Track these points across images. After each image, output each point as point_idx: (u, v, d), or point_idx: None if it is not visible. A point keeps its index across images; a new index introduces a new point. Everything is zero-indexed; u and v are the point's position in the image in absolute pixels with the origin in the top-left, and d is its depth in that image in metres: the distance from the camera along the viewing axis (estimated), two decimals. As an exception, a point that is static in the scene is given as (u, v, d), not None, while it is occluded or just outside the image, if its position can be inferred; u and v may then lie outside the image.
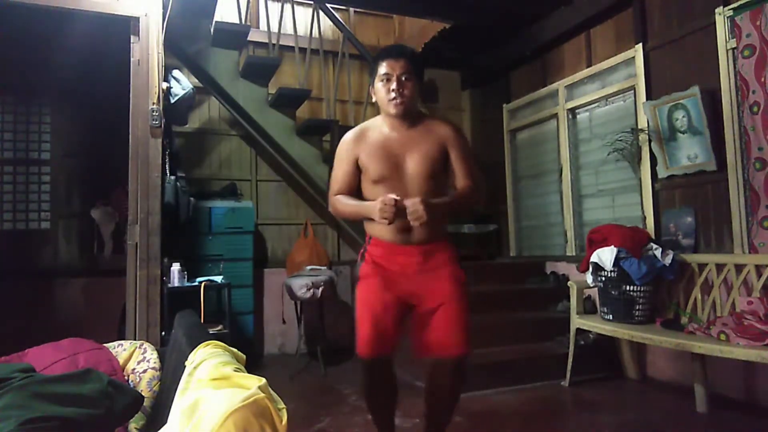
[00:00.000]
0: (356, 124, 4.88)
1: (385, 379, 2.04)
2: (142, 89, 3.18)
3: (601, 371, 3.59)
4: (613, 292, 3.21)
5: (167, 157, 3.56)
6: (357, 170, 2.03)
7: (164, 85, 3.37)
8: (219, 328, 3.52)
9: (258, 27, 4.79)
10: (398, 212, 1.84)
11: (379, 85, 1.97)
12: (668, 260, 3.13)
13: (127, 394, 1.54)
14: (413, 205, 1.81)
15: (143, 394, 1.69)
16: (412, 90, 1.96)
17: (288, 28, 4.55)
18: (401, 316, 1.99)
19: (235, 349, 1.32)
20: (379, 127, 2.04)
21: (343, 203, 2.03)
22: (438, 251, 2.01)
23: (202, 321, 2.62)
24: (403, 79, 1.93)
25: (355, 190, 2.06)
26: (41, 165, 4.45)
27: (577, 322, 3.41)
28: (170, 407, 1.12)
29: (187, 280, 3.50)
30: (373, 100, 2.04)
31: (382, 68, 1.95)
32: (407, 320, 2.03)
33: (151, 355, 1.90)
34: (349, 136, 2.07)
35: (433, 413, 2.16)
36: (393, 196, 1.84)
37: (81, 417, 1.30)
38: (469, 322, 1.96)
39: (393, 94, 1.93)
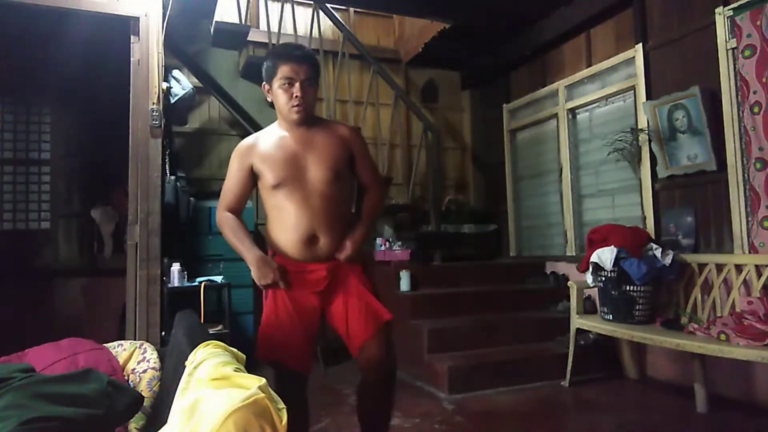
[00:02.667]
0: (356, 124, 4.93)
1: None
2: (142, 89, 3.18)
3: (601, 371, 3.59)
4: (613, 292, 3.21)
5: (167, 157, 3.57)
6: (250, 180, 1.92)
7: (164, 85, 3.38)
8: (219, 328, 3.52)
9: (258, 27, 4.79)
10: (282, 274, 1.84)
11: (278, 89, 1.86)
12: (668, 260, 3.13)
13: (127, 394, 1.53)
14: (345, 255, 1.88)
15: (143, 394, 1.69)
16: (314, 96, 1.91)
17: (288, 28, 4.55)
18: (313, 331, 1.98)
19: (235, 349, 1.32)
20: (274, 132, 1.94)
21: (226, 229, 1.92)
22: (344, 266, 1.93)
23: (202, 321, 2.62)
24: (306, 85, 1.85)
25: (245, 204, 1.99)
26: (41, 165, 4.45)
27: (577, 322, 3.41)
28: (170, 407, 1.12)
29: (187, 280, 3.50)
30: (268, 100, 1.94)
31: (284, 71, 1.83)
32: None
33: (151, 355, 1.90)
34: (241, 144, 1.96)
35: (368, 414, 2.11)
36: (274, 266, 1.84)
37: (81, 417, 1.30)
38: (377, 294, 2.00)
39: (296, 102, 1.84)
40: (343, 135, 1.94)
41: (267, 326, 1.93)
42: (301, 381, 2.05)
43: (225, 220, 1.93)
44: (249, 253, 1.86)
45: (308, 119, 1.91)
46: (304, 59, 1.86)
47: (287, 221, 1.87)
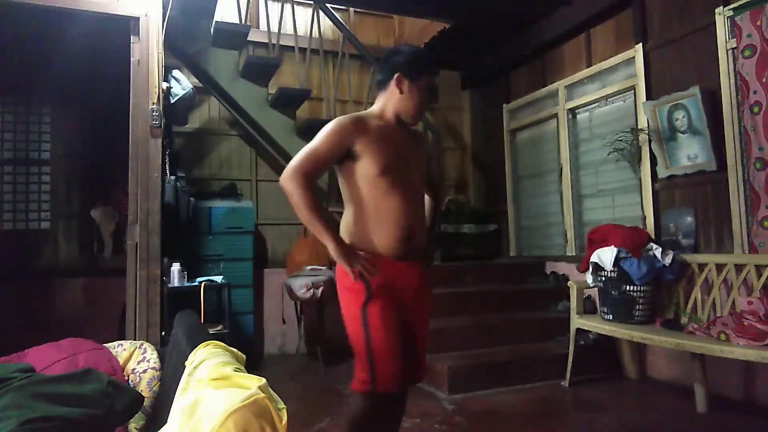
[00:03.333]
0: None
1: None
2: (142, 89, 3.18)
3: (601, 371, 3.59)
4: (613, 292, 3.21)
5: (167, 157, 3.56)
6: (338, 158, 1.77)
7: (164, 85, 3.37)
8: (219, 328, 3.52)
9: (258, 27, 4.79)
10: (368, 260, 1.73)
11: (418, 92, 1.83)
12: (668, 260, 3.13)
13: (127, 394, 1.53)
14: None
15: (143, 394, 1.69)
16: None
17: (288, 28, 4.55)
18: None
19: (235, 349, 1.32)
20: (382, 120, 1.86)
21: (300, 197, 1.69)
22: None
23: (202, 321, 2.62)
24: (430, 89, 1.91)
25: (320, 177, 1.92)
26: (41, 165, 4.45)
27: (577, 322, 3.41)
28: (170, 407, 1.12)
29: (187, 280, 3.50)
30: (398, 92, 1.83)
31: (429, 80, 1.86)
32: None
33: (151, 355, 1.90)
34: (347, 119, 1.78)
35: None
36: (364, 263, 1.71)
37: (81, 417, 1.30)
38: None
39: (424, 108, 1.90)
40: (423, 141, 2.12)
41: (382, 349, 1.80)
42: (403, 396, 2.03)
43: (303, 188, 1.69)
44: (332, 234, 1.70)
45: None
46: (438, 66, 2.01)
47: (389, 214, 1.75)
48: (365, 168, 1.75)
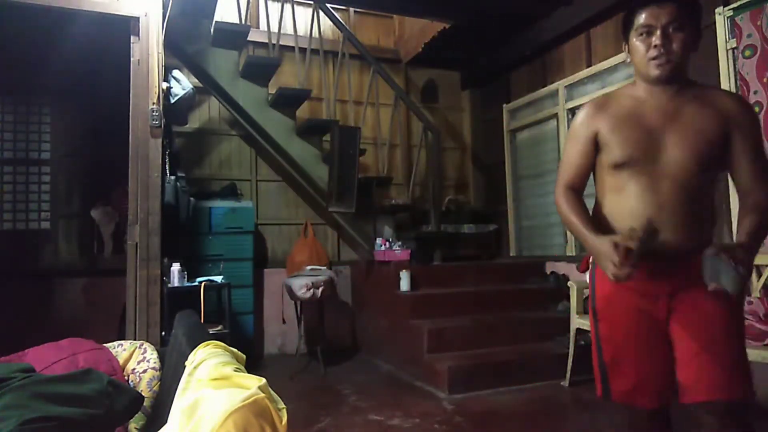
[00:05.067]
0: (356, 124, 4.92)
1: None
2: (142, 89, 3.18)
3: (601, 371, 3.59)
4: (613, 292, 3.21)
5: (167, 157, 3.56)
6: (594, 151, 1.53)
7: (164, 85, 3.37)
8: (219, 328, 3.52)
9: (258, 27, 4.79)
10: (632, 260, 1.29)
11: (636, 41, 1.45)
12: (668, 260, 3.13)
13: (127, 394, 1.53)
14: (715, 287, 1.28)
15: (143, 394, 1.69)
16: (684, 44, 1.41)
17: (288, 28, 4.55)
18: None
19: (235, 349, 1.32)
20: (630, 94, 1.52)
21: (566, 212, 1.53)
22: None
23: (202, 321, 2.62)
24: (671, 30, 1.40)
25: (587, 179, 1.59)
26: (41, 165, 4.45)
27: (577, 322, 3.41)
28: (170, 407, 1.12)
29: (187, 280, 3.50)
30: (627, 60, 1.53)
31: (642, 18, 1.43)
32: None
33: (151, 355, 1.90)
34: (587, 106, 1.56)
35: None
36: (629, 243, 1.29)
37: (81, 417, 1.30)
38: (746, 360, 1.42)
39: (655, 52, 1.40)
40: (723, 107, 1.42)
41: (612, 350, 1.52)
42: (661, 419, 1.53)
43: (561, 200, 1.56)
44: (592, 239, 1.42)
45: (676, 78, 1.44)
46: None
47: (624, 206, 1.46)
48: (603, 157, 1.51)
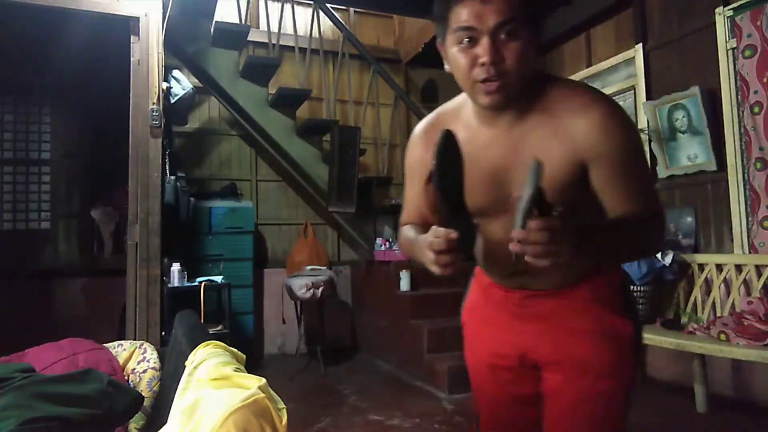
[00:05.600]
0: (356, 125, 4.91)
1: None
2: (142, 89, 3.18)
3: (601, 371, 3.59)
4: (613, 292, 3.21)
5: (167, 157, 3.57)
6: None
7: (164, 85, 3.38)
8: (219, 328, 3.52)
9: (258, 27, 4.79)
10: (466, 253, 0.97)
11: (455, 49, 1.01)
12: (668, 260, 3.13)
13: (127, 394, 1.53)
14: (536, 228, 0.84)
15: (143, 394, 1.69)
16: (522, 57, 0.96)
17: (288, 28, 4.55)
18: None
19: (235, 349, 1.32)
20: (464, 119, 1.15)
21: (402, 238, 1.22)
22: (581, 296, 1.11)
23: (202, 321, 2.62)
24: (503, 36, 0.95)
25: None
26: (41, 165, 4.45)
27: (577, 322, 3.41)
28: (170, 407, 1.12)
29: (187, 280, 3.50)
30: (446, 68, 1.11)
31: (460, 15, 0.97)
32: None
33: (151, 355, 1.90)
34: (417, 132, 1.21)
35: None
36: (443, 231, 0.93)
37: (81, 417, 1.30)
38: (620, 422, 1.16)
39: (483, 73, 0.97)
40: (575, 136, 0.99)
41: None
42: None
43: (400, 234, 1.25)
44: (419, 240, 1.03)
45: (517, 97, 1.02)
46: None
47: (487, 253, 1.15)
48: None
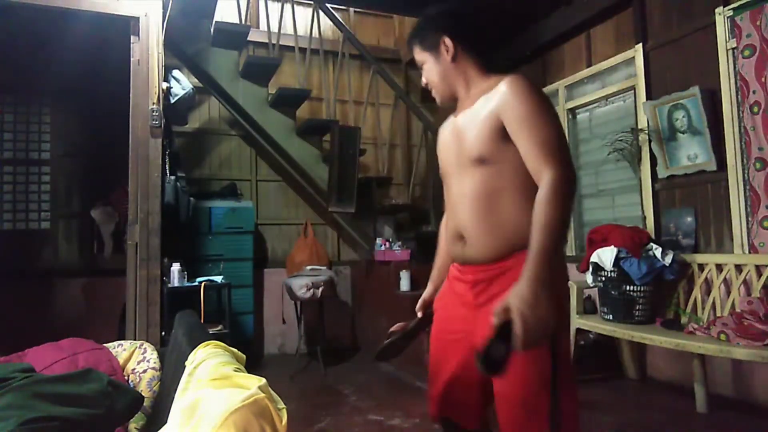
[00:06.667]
0: (356, 124, 4.92)
1: None
2: (142, 89, 3.18)
3: (601, 371, 3.59)
4: (613, 292, 3.21)
5: (167, 157, 3.57)
6: None
7: (164, 85, 3.37)
8: (219, 328, 3.52)
9: (258, 27, 4.79)
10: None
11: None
12: (668, 260, 3.13)
13: (127, 394, 1.53)
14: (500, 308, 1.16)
15: (143, 394, 1.69)
16: (437, 73, 1.48)
17: (288, 28, 4.55)
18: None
19: (235, 349, 1.32)
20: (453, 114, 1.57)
21: (439, 242, 1.69)
22: (507, 271, 1.34)
23: (202, 321, 2.62)
24: (424, 67, 1.52)
25: None
26: (41, 165, 4.45)
27: (577, 322, 3.41)
28: (170, 407, 1.12)
29: (187, 280, 3.50)
30: None
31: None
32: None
33: (151, 355, 1.90)
34: (442, 127, 1.62)
35: None
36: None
37: (81, 417, 1.30)
38: (544, 405, 1.29)
39: (427, 86, 1.55)
40: (495, 100, 1.35)
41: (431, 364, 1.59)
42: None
43: (441, 229, 1.69)
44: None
45: (460, 91, 1.49)
46: (409, 42, 1.55)
47: (446, 216, 1.58)
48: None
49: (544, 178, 1.25)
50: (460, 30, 1.49)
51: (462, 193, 1.41)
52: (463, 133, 1.42)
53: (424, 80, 1.54)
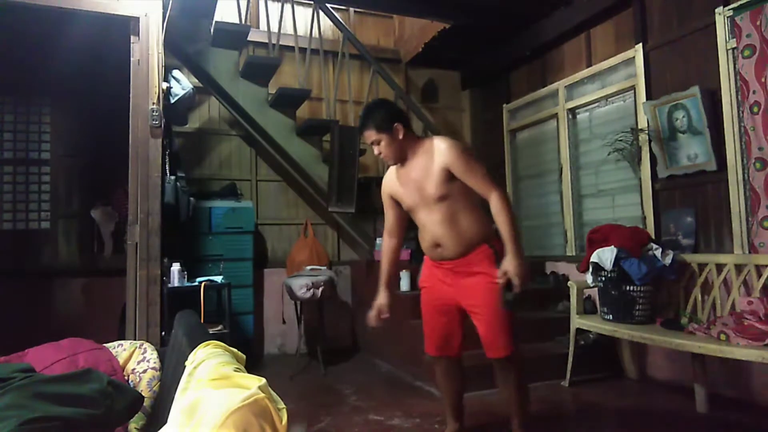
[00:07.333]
0: (356, 125, 4.94)
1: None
2: (142, 89, 3.18)
3: (601, 371, 3.59)
4: (613, 292, 3.21)
5: (167, 157, 3.56)
6: (396, 205, 2.39)
7: (164, 85, 3.37)
8: (219, 328, 3.52)
9: (258, 27, 4.79)
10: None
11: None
12: (668, 260, 3.13)
13: (127, 394, 1.53)
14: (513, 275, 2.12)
15: (143, 394, 1.69)
16: (387, 146, 2.22)
17: (288, 28, 4.55)
18: (456, 319, 2.36)
19: (235, 349, 1.32)
20: (398, 167, 2.34)
21: (383, 247, 2.53)
22: (472, 260, 2.22)
23: (202, 321, 2.62)
24: (375, 144, 2.23)
25: (404, 224, 2.45)
26: (41, 165, 4.45)
27: (577, 322, 3.41)
28: (170, 407, 1.12)
29: (187, 280, 3.50)
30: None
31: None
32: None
33: (151, 355, 1.90)
34: (384, 178, 2.44)
35: (509, 402, 2.45)
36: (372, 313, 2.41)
37: (81, 417, 1.30)
38: (506, 323, 2.23)
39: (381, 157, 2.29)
40: (437, 157, 2.17)
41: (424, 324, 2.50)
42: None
43: (382, 243, 2.53)
44: (381, 288, 2.45)
45: (408, 153, 2.26)
46: (361, 128, 2.25)
47: (421, 232, 2.32)
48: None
49: (492, 198, 2.12)
50: (403, 119, 2.24)
51: (433, 219, 2.22)
52: (421, 182, 2.20)
53: (377, 151, 2.24)
